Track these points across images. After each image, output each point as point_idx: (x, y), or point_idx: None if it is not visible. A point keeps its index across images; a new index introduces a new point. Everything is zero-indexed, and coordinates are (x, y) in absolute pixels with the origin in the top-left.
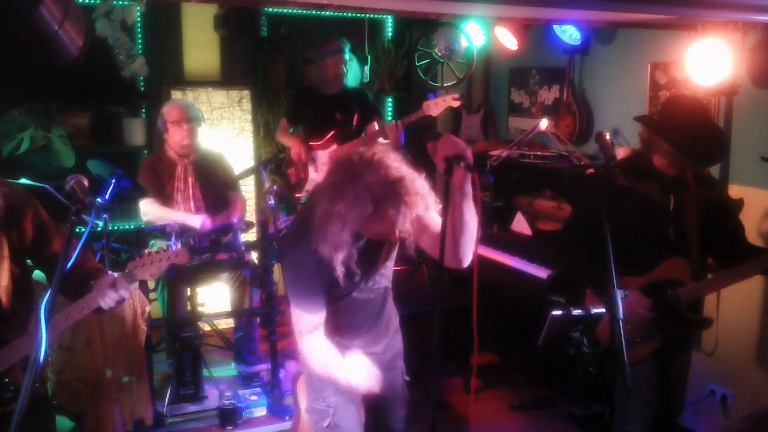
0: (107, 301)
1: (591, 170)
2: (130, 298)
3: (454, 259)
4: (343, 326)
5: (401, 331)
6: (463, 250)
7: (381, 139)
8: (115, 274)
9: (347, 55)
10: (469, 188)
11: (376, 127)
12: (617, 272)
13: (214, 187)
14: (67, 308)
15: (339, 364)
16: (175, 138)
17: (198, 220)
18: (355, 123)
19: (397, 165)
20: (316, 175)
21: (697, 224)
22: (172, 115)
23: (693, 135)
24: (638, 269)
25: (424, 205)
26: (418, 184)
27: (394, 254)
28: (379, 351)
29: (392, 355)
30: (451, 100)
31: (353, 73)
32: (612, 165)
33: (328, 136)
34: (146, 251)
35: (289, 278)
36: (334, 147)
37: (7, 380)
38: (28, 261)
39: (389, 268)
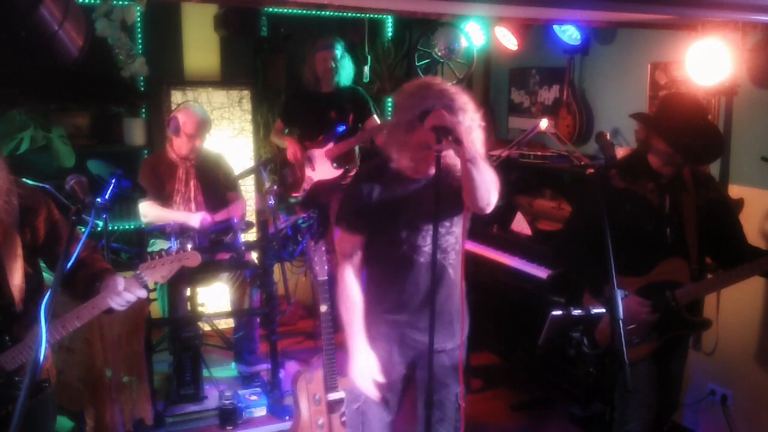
0: (119, 301)
1: (591, 170)
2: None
3: (477, 208)
4: (391, 295)
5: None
6: (479, 200)
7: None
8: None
9: (338, 53)
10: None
11: (377, 120)
12: (616, 273)
13: (215, 188)
14: (78, 308)
15: (358, 322)
16: (182, 146)
17: (197, 218)
18: (350, 121)
19: (456, 93)
20: (312, 174)
21: (695, 225)
22: (189, 127)
23: (689, 133)
24: (636, 270)
25: (469, 121)
26: (469, 107)
27: (458, 219)
28: (423, 340)
29: (443, 361)
30: None
31: (347, 71)
32: (608, 166)
33: (324, 134)
34: (156, 253)
35: (343, 198)
36: (329, 146)
37: (17, 378)
38: (41, 260)
39: (452, 233)
